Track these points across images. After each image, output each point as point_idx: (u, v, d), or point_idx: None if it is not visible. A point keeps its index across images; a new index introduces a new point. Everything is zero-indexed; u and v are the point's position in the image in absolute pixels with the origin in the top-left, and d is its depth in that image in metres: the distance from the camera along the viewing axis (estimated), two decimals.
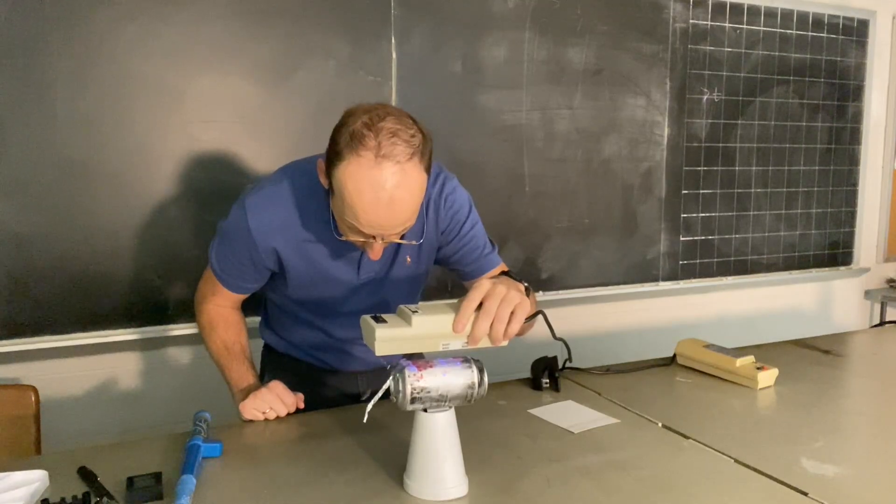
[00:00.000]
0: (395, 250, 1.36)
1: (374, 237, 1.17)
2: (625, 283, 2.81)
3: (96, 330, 2.02)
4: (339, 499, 1.03)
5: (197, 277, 1.49)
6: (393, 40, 2.29)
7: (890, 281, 3.54)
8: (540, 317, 1.18)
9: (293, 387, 1.55)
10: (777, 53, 3.01)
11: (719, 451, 1.18)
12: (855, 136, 3.27)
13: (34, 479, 1.05)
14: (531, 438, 1.23)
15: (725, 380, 1.55)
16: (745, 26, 2.93)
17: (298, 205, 1.29)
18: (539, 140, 2.56)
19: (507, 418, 1.33)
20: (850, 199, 3.31)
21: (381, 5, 2.26)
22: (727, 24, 2.89)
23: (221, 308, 1.44)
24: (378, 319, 1.05)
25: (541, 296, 2.61)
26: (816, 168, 3.19)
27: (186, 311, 2.09)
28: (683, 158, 2.86)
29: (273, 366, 1.59)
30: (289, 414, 1.37)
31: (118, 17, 1.95)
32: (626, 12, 2.66)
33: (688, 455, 1.17)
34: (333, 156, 1.13)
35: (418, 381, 1.00)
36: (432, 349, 1.05)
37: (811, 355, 1.75)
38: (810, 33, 3.08)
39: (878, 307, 3.54)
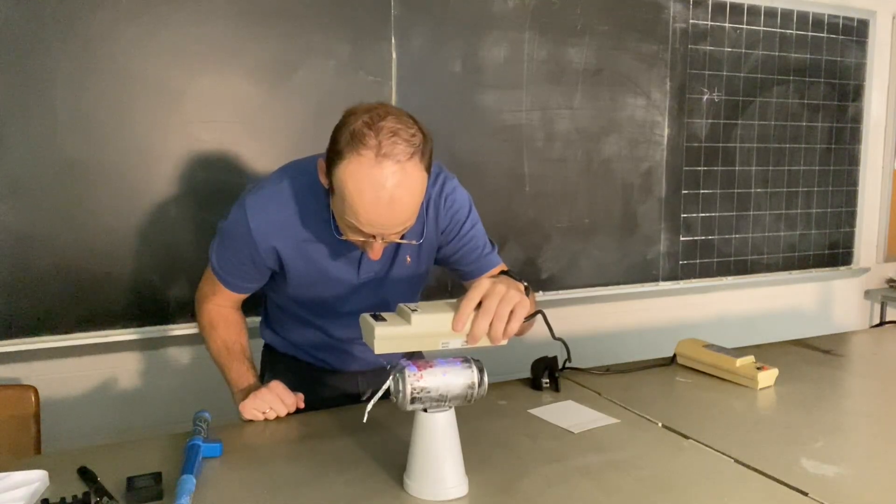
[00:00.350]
0: (395, 250, 1.36)
1: (374, 237, 1.17)
2: (625, 283, 2.81)
3: (96, 330, 2.02)
4: (339, 499, 1.03)
5: (197, 277, 1.49)
6: (393, 40, 2.29)
7: (890, 281, 3.54)
8: (539, 317, 1.18)
9: (293, 387, 1.55)
10: (777, 53, 3.01)
11: (719, 451, 1.18)
12: (855, 136, 3.27)
13: (34, 479, 1.05)
14: (531, 438, 1.23)
15: (725, 380, 1.55)
16: (745, 26, 2.93)
17: (298, 204, 1.29)
18: (539, 140, 2.56)
19: (507, 418, 1.33)
20: (850, 199, 3.31)
21: (381, 5, 2.26)
22: (727, 24, 2.89)
23: (222, 308, 1.44)
24: (377, 318, 1.05)
25: (541, 296, 2.61)
26: (816, 168, 3.19)
27: (186, 311, 2.09)
28: (683, 158, 2.86)
29: (273, 365, 1.59)
30: (289, 414, 1.37)
31: (118, 17, 1.95)
32: (626, 12, 2.66)
33: (688, 455, 1.17)
34: (334, 155, 1.13)
35: (418, 381, 1.00)
36: (432, 348, 1.05)
37: (811, 355, 1.75)
38: (810, 33, 3.08)
39: (878, 307, 3.54)
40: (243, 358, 1.42)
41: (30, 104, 1.89)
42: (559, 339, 1.28)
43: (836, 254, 3.31)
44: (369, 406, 1.05)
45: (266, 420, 1.33)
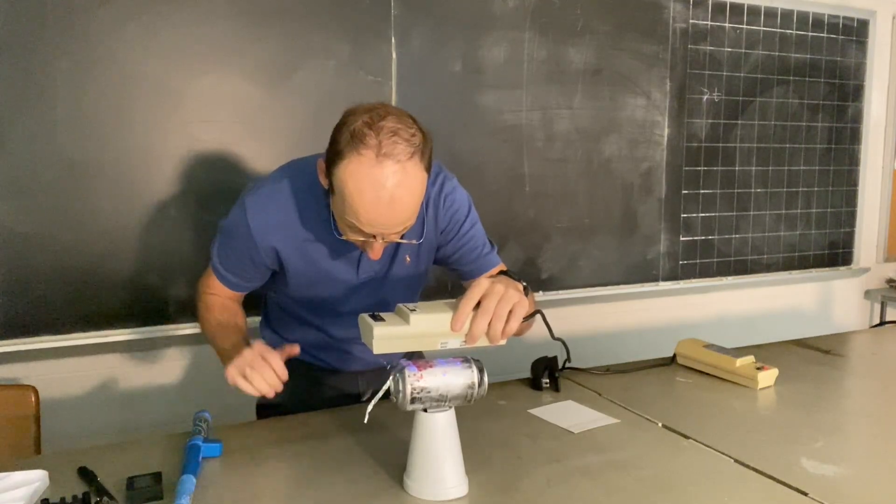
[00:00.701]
0: (394, 250, 1.36)
1: (374, 236, 1.17)
2: (625, 283, 2.81)
3: (96, 330, 2.02)
4: (339, 499, 1.03)
5: (197, 277, 1.49)
6: (393, 40, 2.29)
7: (890, 281, 3.54)
8: (539, 317, 1.18)
9: (293, 386, 1.55)
10: (777, 53, 3.01)
11: (719, 451, 1.18)
12: (855, 136, 3.27)
13: (34, 479, 1.05)
14: (531, 438, 1.23)
15: (725, 380, 1.55)
16: (745, 26, 2.93)
17: (298, 204, 1.29)
18: (539, 140, 2.56)
19: (507, 418, 1.33)
20: (850, 199, 3.31)
21: (381, 5, 2.26)
22: (727, 24, 2.89)
23: (218, 297, 1.43)
24: (376, 318, 1.05)
25: (541, 296, 2.61)
26: (816, 168, 3.19)
27: (186, 311, 2.09)
28: (683, 158, 2.86)
29: None
30: (288, 414, 1.37)
31: (118, 17, 1.95)
32: (626, 12, 2.66)
33: (688, 455, 1.17)
34: (334, 155, 1.13)
35: (418, 381, 1.00)
36: (430, 348, 1.05)
37: (811, 355, 1.75)
38: (810, 33, 3.08)
39: (878, 307, 3.54)
40: (238, 333, 1.35)
41: (30, 104, 1.89)
42: (558, 339, 1.28)
43: (836, 254, 3.31)
44: (370, 406, 1.05)
45: (266, 420, 1.32)
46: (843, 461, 1.14)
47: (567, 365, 1.53)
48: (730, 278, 3.03)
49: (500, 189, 2.52)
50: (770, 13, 2.98)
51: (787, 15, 3.01)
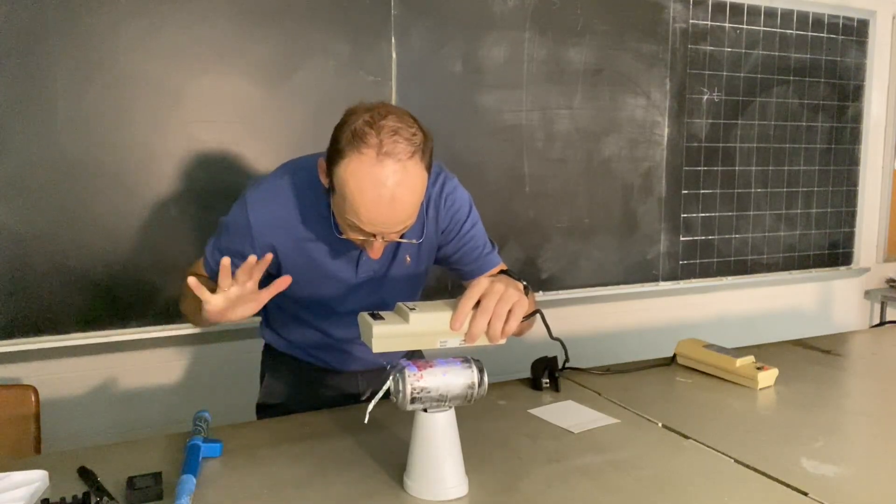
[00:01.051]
0: (394, 249, 1.36)
1: (374, 235, 1.17)
2: (625, 283, 2.81)
3: (96, 330, 2.02)
4: (339, 499, 1.03)
5: None
6: (393, 40, 2.29)
7: (890, 281, 3.54)
8: (538, 316, 1.18)
9: (293, 386, 1.56)
10: (777, 53, 3.01)
11: (719, 451, 1.18)
12: (855, 136, 3.27)
13: (34, 479, 1.05)
14: (531, 438, 1.23)
15: (725, 380, 1.55)
16: (745, 26, 2.93)
17: (298, 202, 1.29)
18: (539, 140, 2.56)
19: (507, 418, 1.33)
20: (850, 199, 3.31)
21: (381, 5, 2.26)
22: (727, 24, 2.89)
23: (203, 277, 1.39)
24: (375, 316, 1.05)
25: (541, 296, 2.61)
26: (816, 168, 3.19)
27: None
28: (683, 158, 2.86)
29: (273, 365, 1.58)
30: (288, 414, 1.37)
31: (118, 17, 1.95)
32: (626, 12, 2.66)
33: (688, 455, 1.17)
34: (335, 154, 1.13)
35: (418, 381, 1.00)
36: (430, 346, 1.05)
37: (811, 355, 1.75)
38: (810, 33, 3.08)
39: (878, 307, 3.54)
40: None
41: (30, 104, 1.89)
42: (557, 339, 1.28)
43: (836, 254, 3.31)
44: (370, 406, 1.04)
45: (266, 419, 1.32)
46: (843, 461, 1.14)
47: (567, 365, 1.53)
48: (730, 278, 3.03)
49: (500, 189, 2.52)
50: (770, 13, 2.98)
51: (787, 15, 3.01)
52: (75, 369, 2.14)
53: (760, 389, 1.49)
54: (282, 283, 1.15)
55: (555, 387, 1.49)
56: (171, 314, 2.09)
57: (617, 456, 1.16)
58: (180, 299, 1.41)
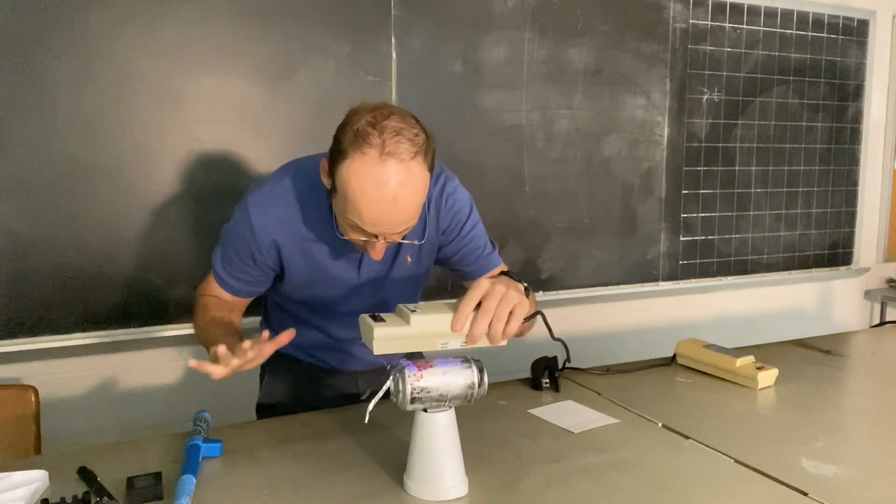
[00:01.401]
0: (395, 250, 1.36)
1: (376, 236, 1.17)
2: (625, 283, 2.81)
3: (96, 330, 2.02)
4: (339, 499, 1.03)
5: (196, 277, 1.49)
6: (393, 40, 2.29)
7: (890, 281, 3.54)
8: (539, 317, 1.18)
9: (293, 387, 1.56)
10: (777, 53, 3.01)
11: (719, 451, 1.18)
12: (855, 136, 3.27)
13: (34, 479, 1.05)
14: (531, 438, 1.23)
15: (725, 380, 1.55)
16: (745, 26, 2.93)
17: (300, 203, 1.29)
18: (539, 140, 2.56)
19: (507, 418, 1.33)
20: (850, 199, 3.31)
21: (381, 5, 2.26)
22: (727, 24, 2.89)
23: (216, 298, 1.40)
24: (376, 318, 1.05)
25: (541, 296, 2.61)
26: (816, 168, 3.19)
27: (186, 310, 2.09)
28: (683, 158, 2.86)
29: (273, 366, 1.58)
30: (288, 414, 1.37)
31: (118, 17, 1.95)
32: (626, 12, 2.66)
33: (688, 455, 1.17)
34: (337, 154, 1.13)
35: (418, 381, 1.00)
36: (431, 348, 1.05)
37: (811, 355, 1.75)
38: (810, 33, 3.08)
39: (878, 307, 3.54)
40: (231, 328, 1.31)
41: (30, 104, 1.89)
42: (558, 340, 1.28)
43: (836, 254, 3.31)
44: (370, 406, 1.04)
45: (266, 419, 1.32)
46: (843, 461, 1.14)
47: (567, 365, 1.53)
48: (730, 278, 3.03)
49: (500, 189, 2.52)
50: (770, 13, 2.98)
51: (787, 15, 3.01)
52: (75, 369, 2.14)
53: (760, 389, 1.49)
54: (285, 337, 1.15)
55: (555, 387, 1.49)
56: (171, 314, 2.09)
57: (617, 456, 1.16)
58: (195, 323, 1.41)
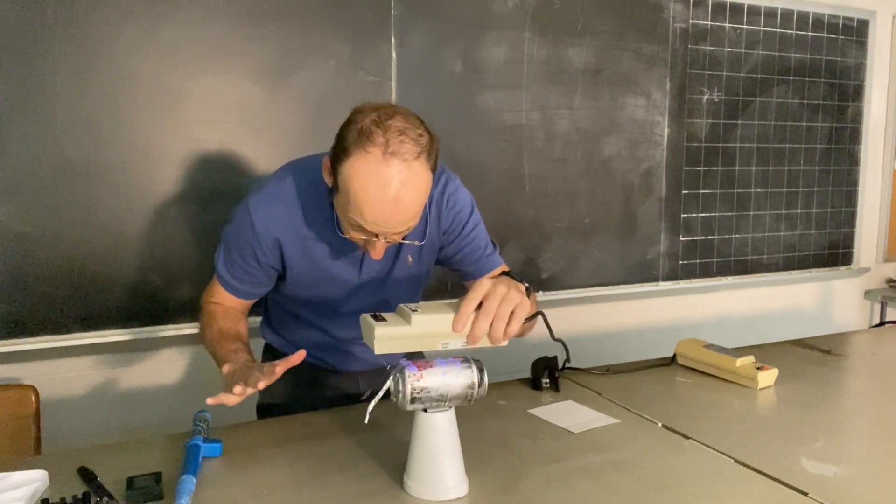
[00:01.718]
0: (396, 250, 1.36)
1: (377, 236, 1.17)
2: (625, 283, 2.81)
3: (96, 330, 2.02)
4: (339, 499, 1.03)
5: (196, 277, 1.50)
6: (393, 40, 2.29)
7: (890, 281, 3.54)
8: (540, 318, 1.18)
9: (294, 387, 1.56)
10: (777, 53, 3.01)
11: (719, 451, 1.18)
12: (855, 136, 3.27)
13: (34, 479, 1.05)
14: (531, 438, 1.23)
15: (725, 380, 1.55)
16: (745, 26, 2.93)
17: (301, 202, 1.29)
18: (539, 140, 2.56)
19: (507, 418, 1.33)
20: (850, 199, 3.31)
21: (381, 5, 2.26)
22: (727, 24, 2.89)
23: (222, 305, 1.42)
24: (377, 318, 1.05)
25: (541, 296, 2.61)
26: (816, 168, 3.19)
27: (186, 311, 2.09)
28: (683, 158, 2.86)
29: None
30: (288, 414, 1.37)
31: (118, 17, 1.95)
32: (626, 12, 2.66)
33: (688, 455, 1.17)
34: (340, 152, 1.12)
35: (418, 381, 1.00)
36: (432, 348, 1.05)
37: (811, 355, 1.75)
38: (810, 33, 3.08)
39: (878, 307, 3.54)
40: (238, 341, 1.31)
41: (30, 104, 1.89)
42: (558, 340, 1.28)
43: (836, 254, 3.31)
44: (370, 406, 1.04)
45: (266, 419, 1.32)
46: (843, 461, 1.14)
47: (567, 365, 1.53)
48: (730, 278, 3.03)
49: (500, 189, 2.52)
50: (770, 13, 2.98)
51: (787, 15, 3.01)
52: (75, 369, 2.14)
53: (760, 389, 1.49)
54: (296, 358, 1.13)
55: (555, 387, 1.49)
56: (171, 314, 2.09)
57: (617, 456, 1.16)
58: (201, 332, 1.39)
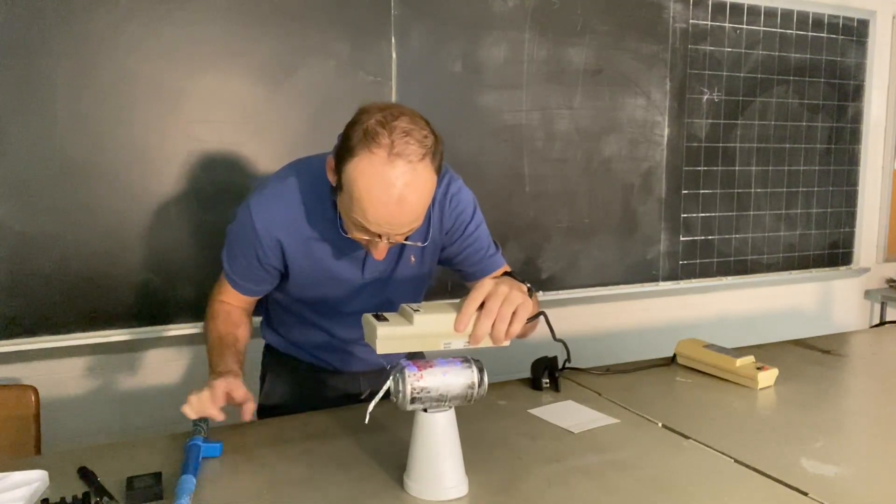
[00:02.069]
0: (399, 250, 1.36)
1: (379, 236, 1.16)
2: (625, 283, 2.81)
3: (96, 330, 2.02)
4: (339, 499, 1.03)
5: (197, 277, 1.50)
6: (393, 40, 2.29)
7: (890, 281, 3.54)
8: (541, 318, 1.18)
9: (294, 387, 1.56)
10: (777, 53, 3.01)
11: (719, 451, 1.18)
12: (855, 136, 3.27)
13: (34, 479, 1.05)
14: (531, 438, 1.23)
15: (725, 380, 1.55)
16: (745, 26, 2.93)
17: (303, 202, 1.29)
18: (539, 140, 2.56)
19: (507, 418, 1.33)
20: (850, 199, 3.31)
21: (381, 5, 2.26)
22: (727, 24, 2.89)
23: (227, 305, 1.42)
24: (380, 318, 1.05)
25: (541, 296, 2.61)
26: (816, 168, 3.19)
27: (186, 310, 2.09)
28: (683, 158, 2.86)
29: (274, 366, 1.58)
30: (288, 414, 1.37)
31: (118, 17, 1.95)
32: (626, 12, 2.66)
33: (688, 455, 1.17)
34: (345, 152, 1.12)
35: (418, 381, 1.00)
36: (434, 348, 1.05)
37: (811, 355, 1.75)
38: (810, 33, 3.08)
39: (878, 307, 3.54)
40: (232, 348, 1.32)
41: (30, 104, 1.89)
42: (560, 341, 1.28)
43: (836, 254, 3.31)
44: (371, 406, 1.04)
45: (266, 420, 1.32)
46: (843, 461, 1.14)
47: (567, 365, 1.53)
48: (730, 278, 3.03)
49: (500, 189, 2.52)
50: (770, 13, 2.98)
51: (787, 15, 3.01)
52: (75, 369, 2.14)
53: (760, 389, 1.49)
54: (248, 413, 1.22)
55: (555, 387, 1.49)
56: (171, 314, 2.09)
57: (617, 456, 1.16)
58: (204, 328, 1.41)
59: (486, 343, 1.06)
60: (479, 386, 1.03)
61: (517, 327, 1.05)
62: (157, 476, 1.05)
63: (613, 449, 1.19)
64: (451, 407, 1.03)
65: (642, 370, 1.64)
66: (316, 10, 2.17)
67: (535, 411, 1.36)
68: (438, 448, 1.02)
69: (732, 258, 3.03)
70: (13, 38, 1.86)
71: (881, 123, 3.37)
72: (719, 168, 2.95)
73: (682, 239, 2.90)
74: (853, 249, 3.35)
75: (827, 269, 3.30)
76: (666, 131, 2.81)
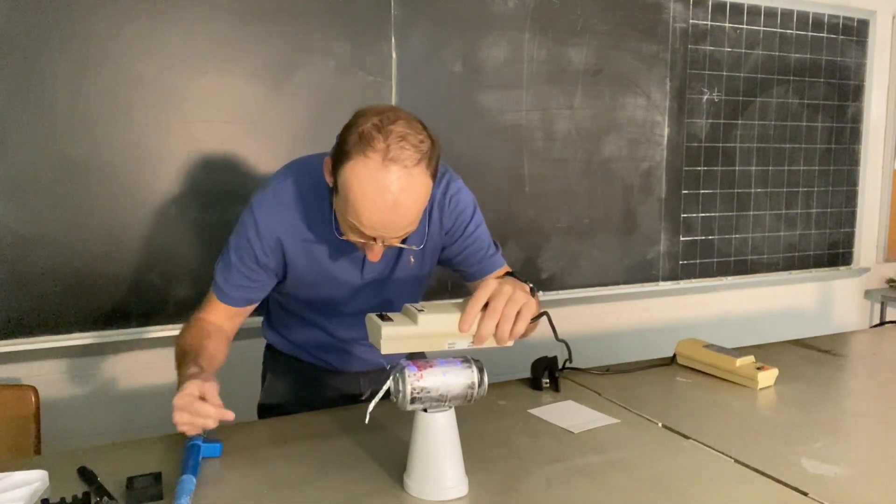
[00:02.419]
0: (398, 251, 1.36)
1: (374, 239, 1.16)
2: (625, 283, 2.81)
3: (96, 330, 2.02)
4: (339, 499, 1.03)
5: (196, 277, 1.49)
6: (393, 40, 2.29)
7: (890, 281, 3.54)
8: (543, 318, 1.18)
9: (295, 387, 1.56)
10: (777, 53, 3.01)
11: (719, 451, 1.18)
12: (855, 136, 3.27)
13: (34, 479, 1.05)
14: (531, 438, 1.23)
15: (725, 380, 1.55)
16: (745, 26, 2.93)
17: (302, 203, 1.29)
18: (539, 140, 2.56)
19: (507, 418, 1.33)
20: (850, 199, 3.31)
21: (381, 5, 2.26)
22: (727, 24, 2.89)
23: (202, 321, 1.37)
24: (384, 318, 1.05)
25: (541, 296, 2.60)
26: (816, 168, 3.19)
27: (186, 310, 2.08)
28: (683, 158, 2.86)
29: (275, 366, 1.58)
30: (289, 414, 1.37)
31: (118, 17, 1.95)
32: (626, 12, 2.66)
33: (688, 455, 1.17)
34: (341, 154, 1.12)
35: (418, 381, 1.00)
36: (438, 348, 1.05)
37: (811, 355, 1.75)
38: (810, 33, 3.08)
39: (878, 307, 3.54)
40: (195, 360, 1.24)
41: (30, 104, 1.89)
42: (562, 341, 1.28)
43: (836, 254, 3.31)
44: (371, 406, 1.04)
45: (266, 420, 1.32)
46: (843, 461, 1.14)
47: (567, 365, 1.53)
48: (730, 278, 3.03)
49: (500, 189, 2.52)
50: (770, 13, 2.98)
51: (787, 15, 3.01)
52: (75, 369, 2.14)
53: (760, 389, 1.49)
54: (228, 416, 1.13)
55: (555, 387, 1.49)
56: (170, 314, 2.09)
57: (617, 456, 1.16)
58: (176, 341, 1.35)
59: (490, 343, 1.05)
60: (479, 386, 1.03)
61: (521, 327, 1.05)
62: (157, 476, 1.05)
63: (613, 449, 1.19)
64: (451, 407, 1.03)
65: (642, 370, 1.64)
66: (316, 10, 2.17)
67: (535, 411, 1.36)
68: (438, 448, 1.02)
69: (732, 258, 3.03)
70: (14, 38, 1.86)
71: (881, 123, 3.37)
72: (719, 168, 2.95)
73: (682, 239, 2.90)
74: (853, 249, 3.35)
75: (827, 269, 3.30)
76: (666, 131, 2.81)
